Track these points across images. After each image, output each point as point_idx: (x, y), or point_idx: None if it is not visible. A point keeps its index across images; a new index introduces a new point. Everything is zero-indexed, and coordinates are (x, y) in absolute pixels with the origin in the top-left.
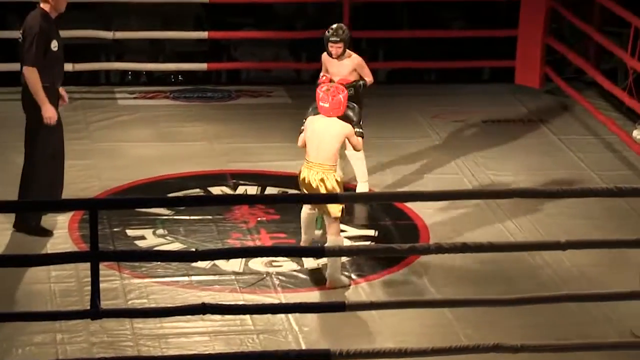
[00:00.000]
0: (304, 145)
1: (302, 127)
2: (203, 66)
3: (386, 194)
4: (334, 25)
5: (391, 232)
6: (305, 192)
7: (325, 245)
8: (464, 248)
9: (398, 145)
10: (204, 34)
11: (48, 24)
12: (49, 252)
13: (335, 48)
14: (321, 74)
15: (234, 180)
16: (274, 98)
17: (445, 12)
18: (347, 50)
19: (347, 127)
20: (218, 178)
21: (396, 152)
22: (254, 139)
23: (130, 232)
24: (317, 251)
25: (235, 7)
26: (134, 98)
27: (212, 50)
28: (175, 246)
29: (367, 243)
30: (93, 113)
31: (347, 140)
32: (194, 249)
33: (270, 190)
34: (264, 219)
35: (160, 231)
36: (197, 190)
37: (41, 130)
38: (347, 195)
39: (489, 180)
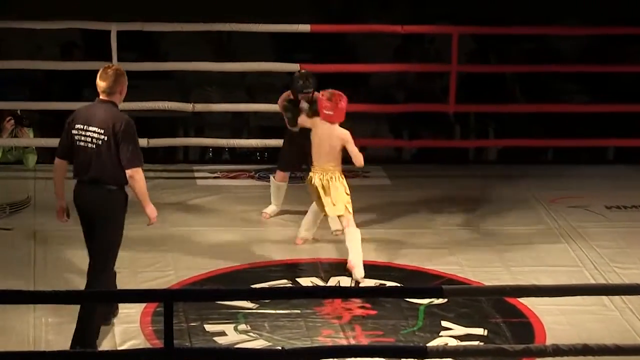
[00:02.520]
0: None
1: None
2: None
3: (497, 288)
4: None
5: (503, 330)
6: (311, 194)
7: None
8: (586, 350)
9: (511, 233)
10: None
11: None
12: (119, 348)
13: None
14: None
15: (326, 271)
16: (371, 179)
17: (564, 84)
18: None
19: (345, 134)
20: (308, 268)
21: (509, 241)
22: None
23: (209, 328)
24: (418, 351)
25: (328, 76)
26: (215, 177)
27: None
28: (259, 343)
29: (476, 343)
30: (169, 194)
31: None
32: (280, 348)
33: (366, 283)
34: (360, 314)
35: (242, 326)
36: (284, 281)
37: (117, 236)
38: (452, 289)
39: (614, 273)
